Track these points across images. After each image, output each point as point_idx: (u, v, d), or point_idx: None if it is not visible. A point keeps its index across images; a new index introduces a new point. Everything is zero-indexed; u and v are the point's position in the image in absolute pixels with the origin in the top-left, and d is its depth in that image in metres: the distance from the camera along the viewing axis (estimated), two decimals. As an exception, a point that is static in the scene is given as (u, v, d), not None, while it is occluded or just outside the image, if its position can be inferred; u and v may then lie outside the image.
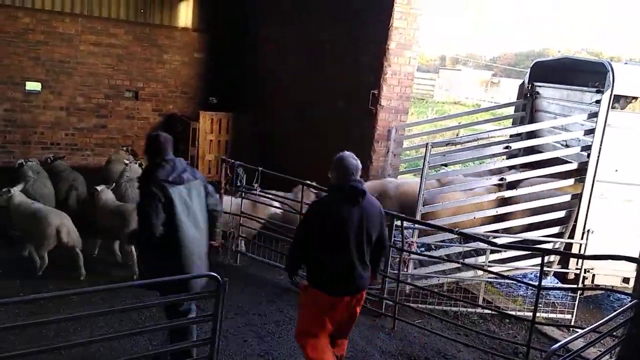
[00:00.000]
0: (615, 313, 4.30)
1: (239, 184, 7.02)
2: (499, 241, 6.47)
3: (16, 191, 6.63)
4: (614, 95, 6.64)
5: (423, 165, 6.46)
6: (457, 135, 12.15)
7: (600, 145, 6.72)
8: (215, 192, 4.83)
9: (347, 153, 4.39)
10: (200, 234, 4.49)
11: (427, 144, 6.47)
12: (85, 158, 11.85)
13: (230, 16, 12.47)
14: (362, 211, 4.17)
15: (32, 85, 11.20)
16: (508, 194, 7.00)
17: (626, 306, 4.37)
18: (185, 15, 12.35)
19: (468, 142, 7.99)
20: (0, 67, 10.83)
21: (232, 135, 11.92)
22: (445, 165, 8.62)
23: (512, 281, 6.99)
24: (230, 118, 11.81)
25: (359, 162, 4.33)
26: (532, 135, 7.98)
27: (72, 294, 5.29)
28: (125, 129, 12.15)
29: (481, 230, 6.80)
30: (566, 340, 3.97)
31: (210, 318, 4.09)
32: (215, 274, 3.99)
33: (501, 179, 6.97)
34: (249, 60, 12.60)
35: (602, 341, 4.84)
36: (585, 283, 6.87)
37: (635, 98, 7.16)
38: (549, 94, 8.25)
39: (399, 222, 5.95)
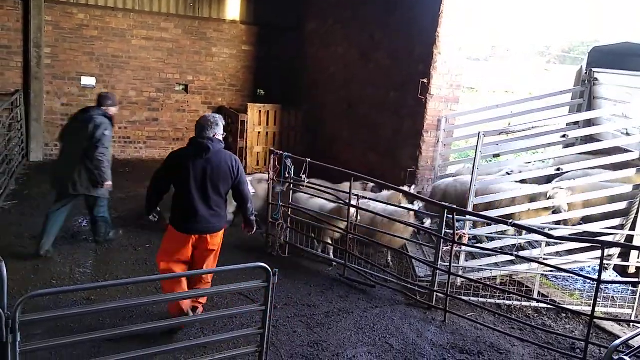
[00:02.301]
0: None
1: (287, 175, 7.01)
2: (555, 233, 6.24)
3: None
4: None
5: (475, 156, 6.29)
6: (509, 124, 11.78)
7: (665, 132, 6.39)
8: (101, 136, 6.36)
9: (208, 114, 5.26)
10: (72, 154, 6.42)
11: (479, 133, 6.29)
12: (138, 151, 12.14)
13: (278, 9, 12.52)
14: (206, 164, 4.88)
15: (87, 80, 11.53)
16: (566, 184, 6.75)
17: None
18: (233, 8, 12.45)
19: (522, 131, 7.74)
20: (57, 62, 11.19)
21: (280, 128, 11.97)
22: (497, 155, 8.40)
23: (569, 274, 6.76)
24: (278, 110, 11.85)
25: (217, 120, 5.04)
26: (590, 123, 7.66)
27: (128, 283, 5.43)
28: (175, 122, 12.38)
29: (536, 221, 6.59)
30: (628, 336, 3.78)
31: (261, 308, 4.12)
32: (265, 265, 4.01)
33: (558, 169, 6.72)
34: (298, 52, 12.64)
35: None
36: (648, 277, 6.57)
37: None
38: (609, 80, 7.90)
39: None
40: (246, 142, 11.51)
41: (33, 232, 7.12)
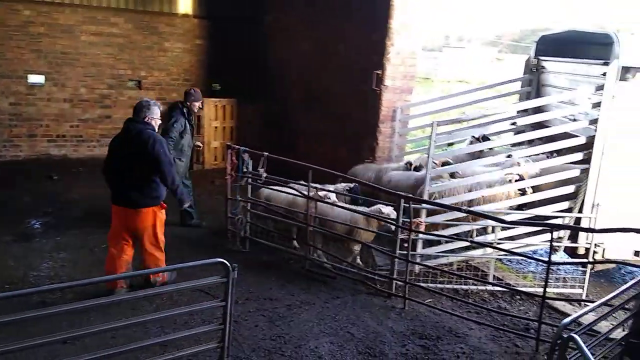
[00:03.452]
0: (626, 285, 4.25)
1: (245, 170, 6.99)
2: (508, 218, 6.43)
3: None
4: (622, 66, 6.54)
5: (429, 145, 6.41)
6: (463, 113, 12.04)
7: (608, 118, 6.63)
8: (169, 126, 7.40)
9: (146, 98, 5.78)
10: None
11: (432, 122, 6.41)
12: (91, 149, 11.87)
13: (232, 2, 12.38)
14: (128, 143, 5.47)
15: (36, 78, 11.19)
16: (516, 170, 6.94)
17: (638, 279, 4.34)
18: (185, 2, 12.26)
19: (474, 119, 7.92)
20: (4, 61, 10.83)
21: (238, 122, 11.90)
22: (452, 144, 8.57)
23: (522, 258, 6.99)
24: (235, 104, 11.78)
25: (149, 104, 5.59)
26: (538, 110, 7.89)
27: (84, 284, 5.32)
28: (129, 119, 12.13)
29: (490, 207, 6.76)
30: (577, 314, 3.93)
31: (221, 304, 4.12)
32: (223, 260, 4.01)
33: (508, 156, 6.91)
34: (255, 46, 12.54)
35: (614, 314, 4.83)
36: (596, 257, 6.82)
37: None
38: (555, 68, 8.14)
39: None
40: (203, 137, 11.40)
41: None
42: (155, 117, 5.63)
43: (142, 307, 5.47)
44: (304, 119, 10.80)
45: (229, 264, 4.00)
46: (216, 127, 11.63)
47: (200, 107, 7.84)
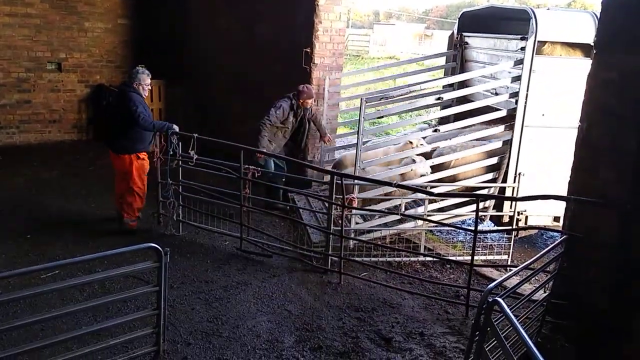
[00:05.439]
0: (546, 249, 4.50)
1: (172, 152, 6.85)
2: (436, 191, 6.62)
3: None
4: (538, 40, 6.80)
5: (359, 120, 6.49)
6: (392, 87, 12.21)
7: (527, 91, 6.90)
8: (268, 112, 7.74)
9: (138, 66, 6.96)
10: None
11: (361, 98, 6.48)
12: (10, 136, 11.26)
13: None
14: (118, 100, 6.85)
15: (-56, 63, 10.46)
16: (443, 144, 7.15)
17: (556, 242, 4.59)
18: (104, -20, 11.74)
19: (400, 95, 8.05)
20: None
21: (166, 104, 11.60)
22: (381, 117, 8.69)
23: (450, 228, 7.24)
24: (162, 85, 11.46)
25: (137, 71, 6.79)
26: (463, 85, 8.11)
27: (11, 275, 5.11)
28: (50, 103, 11.58)
29: (420, 181, 6.94)
30: (502, 278, 4.12)
31: (154, 289, 4.06)
32: (155, 245, 3.94)
33: (435, 130, 7.10)
34: (178, 26, 12.18)
35: (536, 277, 5.11)
36: (519, 224, 7.15)
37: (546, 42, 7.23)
38: (477, 44, 8.37)
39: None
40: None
41: None
42: (142, 83, 6.72)
43: (72, 297, 5.31)
44: (232, 100, 10.64)
45: (160, 248, 3.94)
46: (144, 110, 11.29)
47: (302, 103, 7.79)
